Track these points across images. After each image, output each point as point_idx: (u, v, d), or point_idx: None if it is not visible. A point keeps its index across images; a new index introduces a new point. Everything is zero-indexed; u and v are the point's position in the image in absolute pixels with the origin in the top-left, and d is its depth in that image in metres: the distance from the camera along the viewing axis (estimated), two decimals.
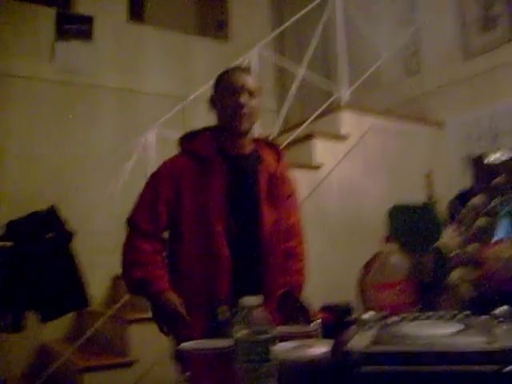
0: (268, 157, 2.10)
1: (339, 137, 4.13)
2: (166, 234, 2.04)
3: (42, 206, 3.61)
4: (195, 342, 1.14)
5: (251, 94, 2.00)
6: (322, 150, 4.03)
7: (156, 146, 3.85)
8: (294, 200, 2.17)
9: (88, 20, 5.19)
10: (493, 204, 1.43)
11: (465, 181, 4.59)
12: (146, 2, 6.21)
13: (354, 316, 1.45)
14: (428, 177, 4.48)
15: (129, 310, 3.70)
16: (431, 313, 1.05)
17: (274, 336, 0.96)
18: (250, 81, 2.03)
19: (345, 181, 4.09)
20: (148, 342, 3.36)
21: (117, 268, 4.76)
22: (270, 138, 3.91)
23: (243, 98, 1.97)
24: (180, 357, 1.94)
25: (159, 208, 1.93)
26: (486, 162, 1.45)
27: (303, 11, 4.37)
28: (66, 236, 3.11)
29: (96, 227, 4.22)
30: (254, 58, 4.14)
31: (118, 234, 4.76)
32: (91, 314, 4.04)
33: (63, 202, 3.74)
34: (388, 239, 1.63)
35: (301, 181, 2.63)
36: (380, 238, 3.88)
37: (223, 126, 2.04)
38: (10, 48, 4.75)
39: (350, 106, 4.31)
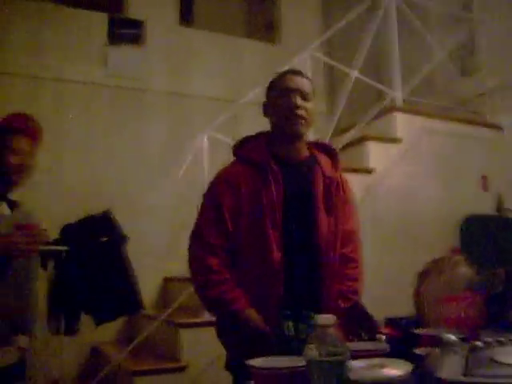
0: (324, 161, 2.05)
1: (393, 140, 4.04)
2: None
3: (96, 209, 3.65)
4: (263, 359, 1.09)
5: (306, 96, 1.95)
6: (376, 154, 3.95)
7: (207, 149, 3.84)
8: (350, 205, 2.11)
9: (139, 24, 5.24)
10: None
11: None
12: (195, 5, 6.23)
13: (421, 331, 1.37)
14: (484, 180, 4.35)
15: (180, 314, 3.70)
16: None
17: (348, 357, 0.91)
18: (304, 83, 1.99)
19: (399, 185, 3.99)
20: (199, 346, 3.35)
21: (167, 271, 4.82)
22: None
23: (298, 100, 1.92)
24: (233, 368, 1.92)
25: (224, 219, 1.89)
26: None
27: (355, 12, 4.30)
28: (120, 240, 3.12)
29: (147, 230, 4.25)
30: (306, 60, 4.09)
31: (169, 238, 4.83)
32: (142, 317, 4.06)
33: (118, 205, 3.77)
34: (456, 250, 1.56)
35: (355, 185, 2.57)
36: (434, 242, 3.79)
37: (278, 131, 1.99)
38: (63, 53, 4.83)
39: (404, 108, 4.21)
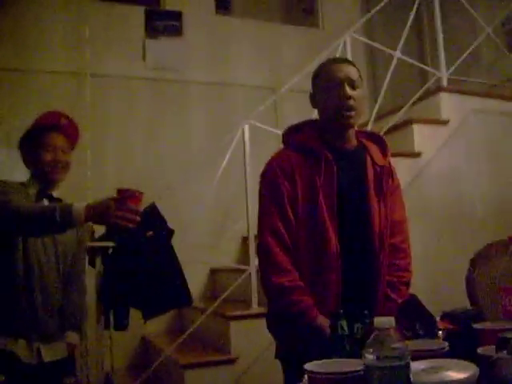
0: (374, 150, 2.00)
1: (439, 121, 3.92)
2: None
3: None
4: (318, 362, 1.05)
5: (354, 84, 1.89)
6: (422, 137, 3.85)
7: (249, 138, 3.81)
8: (399, 194, 2.06)
9: (177, 16, 5.22)
10: None
11: None
12: None
13: (481, 325, 1.31)
14: None
15: (229, 306, 3.69)
16: None
17: (409, 362, 0.86)
18: (351, 71, 1.92)
19: (447, 168, 3.88)
20: (249, 338, 3.35)
21: (213, 262, 4.83)
22: (368, 127, 3.78)
23: (347, 90, 1.86)
24: (284, 358, 1.90)
25: (287, 208, 1.84)
26: None
27: None
28: (167, 233, 3.13)
29: (192, 222, 4.25)
30: (347, 43, 3.99)
31: (213, 228, 4.83)
32: (191, 309, 4.08)
33: (161, 197, 3.79)
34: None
35: (401, 169, 2.50)
36: (485, 228, 3.67)
37: (329, 121, 1.94)
38: (102, 48, 4.85)
39: (450, 88, 4.08)
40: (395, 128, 3.94)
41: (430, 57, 5.16)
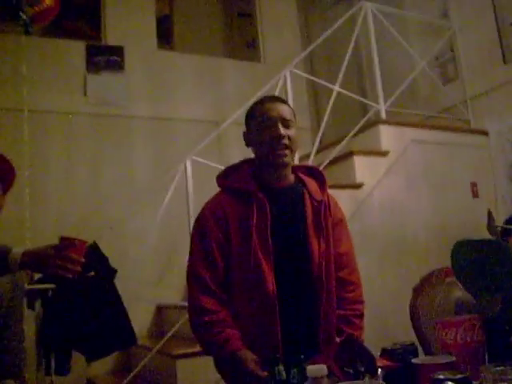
0: (311, 185, 2.00)
1: (379, 153, 4.01)
2: None
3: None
4: None
5: (288, 123, 1.90)
6: (363, 168, 3.92)
7: (193, 173, 3.80)
8: (343, 226, 2.06)
9: (118, 51, 5.20)
10: None
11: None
12: (174, 28, 6.21)
13: (419, 360, 1.32)
14: (474, 188, 4.33)
15: (176, 343, 3.63)
16: None
17: None
18: (284, 109, 1.93)
19: (388, 198, 3.96)
20: (195, 377, 3.28)
21: (159, 299, 4.74)
22: (310, 159, 3.83)
23: (280, 129, 1.87)
24: None
25: (214, 255, 1.85)
26: None
27: (333, 27, 4.29)
28: (108, 273, 3.06)
29: (136, 258, 4.18)
30: (287, 77, 4.06)
31: (158, 264, 4.75)
32: (137, 348, 3.98)
33: (104, 235, 3.71)
34: (449, 271, 1.52)
35: (343, 201, 2.53)
36: (428, 254, 3.75)
37: (263, 160, 1.94)
38: (42, 84, 4.77)
39: (388, 120, 4.19)
40: (337, 160, 4.01)
41: (369, 90, 5.29)
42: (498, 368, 0.97)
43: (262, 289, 1.79)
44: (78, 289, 2.88)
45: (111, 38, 5.25)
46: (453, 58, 4.90)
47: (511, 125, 4.31)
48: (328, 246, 1.92)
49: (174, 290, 4.63)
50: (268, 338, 1.77)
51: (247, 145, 2.00)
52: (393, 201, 3.98)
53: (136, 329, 3.60)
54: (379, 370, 1.31)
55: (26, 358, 2.59)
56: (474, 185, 4.38)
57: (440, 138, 4.29)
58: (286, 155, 1.89)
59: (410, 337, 1.70)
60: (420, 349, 1.67)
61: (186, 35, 6.17)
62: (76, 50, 5.05)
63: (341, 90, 4.14)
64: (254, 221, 1.83)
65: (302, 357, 1.25)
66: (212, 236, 1.86)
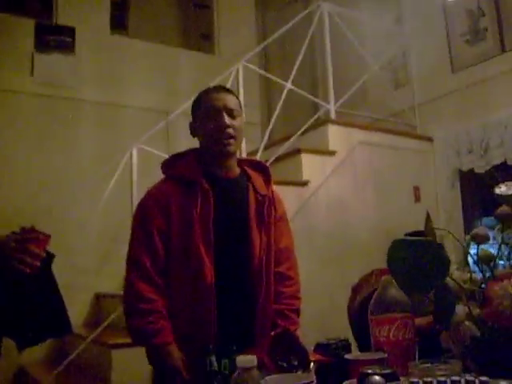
0: (256, 178, 2.01)
1: (327, 152, 4.05)
2: None
3: (20, 225, 3.47)
4: None
5: (233, 113, 1.90)
6: (310, 166, 3.95)
7: (138, 161, 3.74)
8: (284, 222, 2.08)
9: (69, 31, 5.07)
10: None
11: (453, 195, 4.55)
12: (129, 14, 6.10)
13: (350, 356, 1.33)
14: (416, 192, 4.43)
15: (111, 334, 3.56)
16: (442, 373, 0.93)
17: None
18: (230, 99, 1.93)
19: (333, 197, 4.01)
20: (131, 368, 3.23)
21: (97, 287, 4.66)
22: (258, 155, 3.83)
23: (225, 119, 1.87)
24: None
25: (155, 242, 1.82)
26: (497, 192, 1.35)
27: (289, 25, 4.30)
28: (46, 258, 2.96)
29: (76, 246, 4.09)
30: (240, 71, 4.05)
31: (99, 253, 4.67)
32: (72, 336, 3.90)
33: (43, 220, 3.60)
34: (387, 271, 1.54)
35: (288, 197, 2.54)
36: (369, 255, 3.81)
37: (208, 150, 1.94)
38: None
39: (338, 120, 4.24)
40: (284, 157, 4.03)
41: (321, 90, 5.34)
42: (425, 365, 0.99)
43: (201, 280, 1.79)
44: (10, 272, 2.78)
45: (63, 17, 5.11)
46: (404, 65, 5.01)
47: (455, 132, 4.44)
48: (269, 240, 1.93)
49: (114, 279, 4.55)
50: (202, 329, 1.77)
51: (193, 134, 1.99)
52: (338, 200, 4.02)
53: (73, 317, 3.48)
54: (312, 363, 1.32)
55: None
56: (416, 189, 4.49)
57: (387, 142, 4.37)
58: (230, 144, 1.89)
59: (347, 334, 1.73)
60: (354, 346, 1.70)
61: (141, 22, 6.06)
62: (25, 27, 4.89)
63: (292, 88, 4.16)
64: (198, 210, 1.82)
65: (234, 348, 1.25)
66: (154, 223, 1.84)
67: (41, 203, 4.17)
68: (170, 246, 1.83)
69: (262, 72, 4.61)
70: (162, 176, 2.00)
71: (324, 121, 4.21)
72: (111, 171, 3.84)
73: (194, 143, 2.04)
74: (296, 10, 5.42)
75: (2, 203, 4.31)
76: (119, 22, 5.75)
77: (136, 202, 3.53)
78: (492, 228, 1.40)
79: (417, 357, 1.33)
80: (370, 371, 0.93)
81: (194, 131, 1.99)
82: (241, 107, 1.97)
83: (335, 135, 4.13)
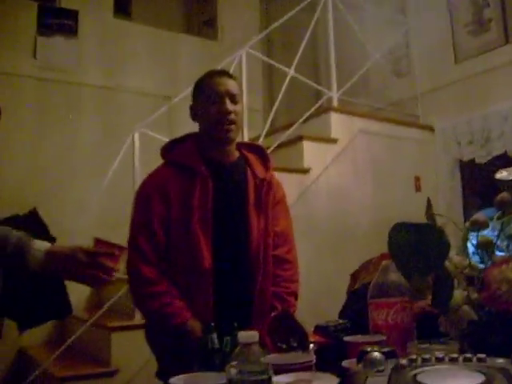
0: (255, 162, 2.02)
1: (329, 140, 4.05)
2: None
3: (21, 207, 3.49)
4: (185, 376, 1.04)
5: (234, 98, 1.91)
6: (311, 154, 3.96)
7: (140, 146, 3.74)
8: (282, 206, 2.09)
9: (72, 15, 5.04)
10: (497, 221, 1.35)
11: (453, 185, 4.57)
12: None
13: (349, 338, 1.35)
14: (417, 181, 4.44)
15: (111, 317, 3.59)
16: (440, 352, 0.95)
17: (270, 377, 0.87)
18: (231, 84, 1.94)
19: (334, 185, 4.02)
20: (130, 351, 3.26)
21: None
22: (260, 141, 3.83)
23: (227, 104, 1.88)
24: (163, 376, 1.86)
25: (155, 227, 1.84)
26: (497, 176, 1.36)
27: (292, 12, 4.29)
28: (48, 241, 2.98)
29: (77, 229, 4.10)
30: (243, 57, 4.04)
31: (99, 236, 4.65)
32: (73, 320, 3.93)
33: (44, 203, 3.62)
34: (385, 255, 1.55)
35: (289, 184, 2.55)
36: (369, 243, 3.82)
37: (208, 135, 1.94)
38: None
39: (340, 108, 4.23)
40: (286, 144, 4.03)
41: (324, 77, 5.33)
42: (424, 345, 1.01)
43: (198, 265, 1.81)
44: None
45: (66, 0, 5.08)
46: (407, 54, 5.00)
47: (457, 123, 4.44)
48: (267, 224, 1.94)
49: None
50: (201, 313, 1.79)
51: (193, 118, 1.99)
52: (338, 188, 4.03)
53: (73, 300, 3.54)
54: (311, 345, 1.34)
55: None
56: (417, 179, 4.49)
57: (388, 131, 4.38)
58: (231, 130, 1.90)
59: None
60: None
61: (144, 7, 6.03)
62: (27, 9, 4.85)
63: (295, 75, 4.15)
64: (196, 196, 1.84)
65: (236, 325, 1.27)
66: (154, 209, 1.85)
67: (41, 187, 4.18)
68: (169, 231, 1.85)
69: (265, 58, 4.60)
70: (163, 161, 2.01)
71: (326, 108, 4.21)
72: (113, 155, 3.83)
73: (196, 129, 2.04)
74: None
75: (2, 186, 4.31)
76: (123, 7, 5.72)
77: (138, 186, 3.56)
78: (491, 219, 1.41)
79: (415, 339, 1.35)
80: (369, 349, 0.95)
81: (194, 114, 1.99)
82: (242, 92, 1.98)
83: (337, 123, 4.13)
